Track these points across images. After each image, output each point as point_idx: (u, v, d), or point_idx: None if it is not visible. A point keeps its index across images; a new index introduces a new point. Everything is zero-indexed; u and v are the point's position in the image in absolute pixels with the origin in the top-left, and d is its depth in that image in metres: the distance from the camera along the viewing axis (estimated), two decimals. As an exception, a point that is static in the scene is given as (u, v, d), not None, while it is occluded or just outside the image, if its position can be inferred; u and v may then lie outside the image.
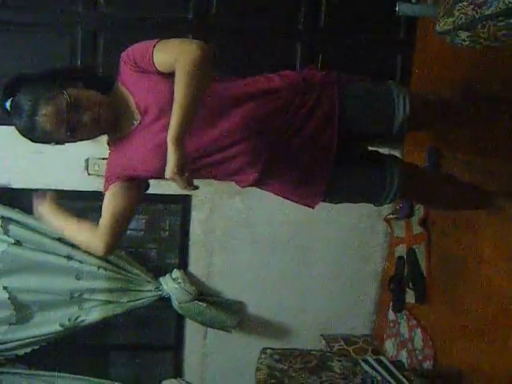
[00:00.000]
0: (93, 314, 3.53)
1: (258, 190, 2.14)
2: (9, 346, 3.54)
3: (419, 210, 3.30)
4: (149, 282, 3.56)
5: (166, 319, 3.85)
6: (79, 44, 3.35)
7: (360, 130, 2.07)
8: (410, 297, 3.32)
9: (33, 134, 1.83)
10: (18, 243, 3.35)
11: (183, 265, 3.71)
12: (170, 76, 1.79)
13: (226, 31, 3.41)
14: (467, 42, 2.04)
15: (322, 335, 3.83)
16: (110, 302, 3.53)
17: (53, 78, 1.86)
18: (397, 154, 2.41)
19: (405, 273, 3.39)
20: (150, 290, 3.56)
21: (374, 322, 3.87)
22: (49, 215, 2.08)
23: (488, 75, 2.72)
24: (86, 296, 3.51)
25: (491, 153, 2.70)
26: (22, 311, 3.49)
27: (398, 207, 3.46)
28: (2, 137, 2.92)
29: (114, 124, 1.92)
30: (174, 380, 3.84)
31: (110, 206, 2.00)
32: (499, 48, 2.08)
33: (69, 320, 3.51)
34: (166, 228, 3.70)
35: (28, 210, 3.18)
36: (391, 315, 3.58)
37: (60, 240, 3.34)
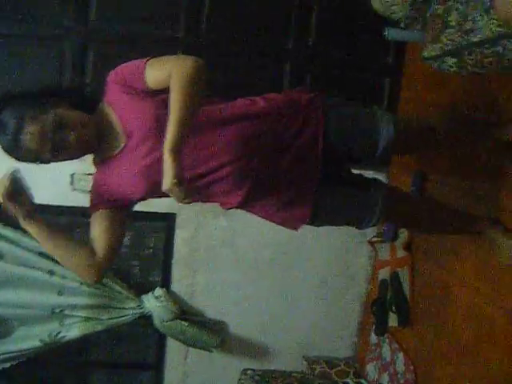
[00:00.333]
0: (73, 331, 3.48)
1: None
2: (-13, 361, 3.49)
3: (403, 233, 3.31)
4: (131, 299, 3.52)
5: (147, 337, 3.80)
6: (68, 58, 3.33)
7: (344, 153, 2.08)
8: (393, 320, 3.31)
9: (17, 152, 1.83)
10: (-1, 257, 3.31)
11: (166, 283, 3.68)
12: (154, 98, 1.80)
13: (216, 50, 3.42)
14: (454, 68, 2.06)
15: (303, 357, 3.80)
16: (90, 319, 3.48)
17: (39, 96, 1.86)
18: (382, 177, 2.43)
19: (388, 296, 3.39)
20: (132, 308, 3.52)
21: (356, 344, 3.86)
22: (38, 236, 1.89)
23: (475, 100, 2.74)
24: (67, 312, 3.47)
25: (477, 177, 2.72)
26: (1, 326, 3.45)
27: (382, 230, 3.47)
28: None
29: (98, 145, 1.92)
30: (153, 399, 3.80)
31: (102, 235, 1.92)
32: (486, 74, 2.10)
33: (49, 336, 3.47)
34: (149, 246, 3.67)
35: (10, 223, 3.16)
36: (373, 338, 3.57)
37: (42, 254, 3.30)
